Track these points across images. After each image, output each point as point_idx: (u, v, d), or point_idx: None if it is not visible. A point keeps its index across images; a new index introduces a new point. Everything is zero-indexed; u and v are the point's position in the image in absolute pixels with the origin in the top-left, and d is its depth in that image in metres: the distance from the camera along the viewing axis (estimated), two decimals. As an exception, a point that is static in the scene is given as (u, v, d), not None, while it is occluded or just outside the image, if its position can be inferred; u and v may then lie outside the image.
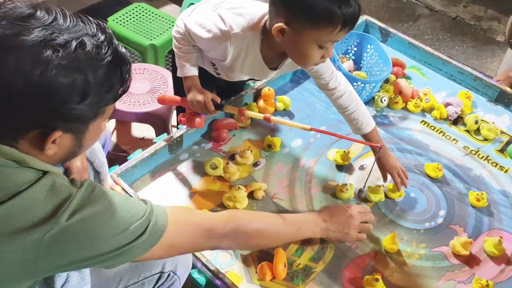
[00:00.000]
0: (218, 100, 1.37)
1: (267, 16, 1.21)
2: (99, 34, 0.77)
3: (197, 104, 1.35)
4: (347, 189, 1.41)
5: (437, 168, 1.50)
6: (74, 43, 0.72)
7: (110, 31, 0.79)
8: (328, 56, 1.19)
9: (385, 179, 1.43)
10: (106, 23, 0.80)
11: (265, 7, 1.22)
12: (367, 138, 1.41)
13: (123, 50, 0.81)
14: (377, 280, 1.19)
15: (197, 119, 1.40)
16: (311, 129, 1.26)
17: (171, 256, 1.01)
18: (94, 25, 0.77)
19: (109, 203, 0.81)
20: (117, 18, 2.27)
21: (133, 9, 2.33)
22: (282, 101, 1.65)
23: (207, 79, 1.45)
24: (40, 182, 0.76)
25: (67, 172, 1.17)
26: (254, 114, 1.36)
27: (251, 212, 1.13)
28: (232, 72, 1.36)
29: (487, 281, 1.22)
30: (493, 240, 1.31)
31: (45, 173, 0.79)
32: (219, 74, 1.43)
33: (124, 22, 2.26)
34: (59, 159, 0.83)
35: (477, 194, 1.43)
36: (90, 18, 0.78)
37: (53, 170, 0.81)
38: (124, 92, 0.83)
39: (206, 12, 1.30)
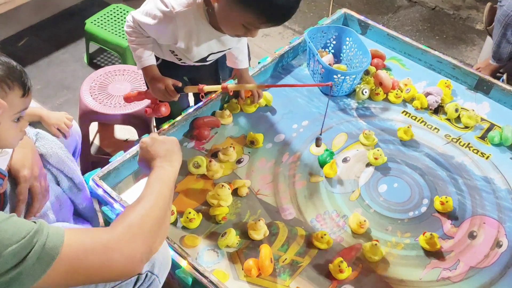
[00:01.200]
0: (179, 84, 1.37)
1: None
2: None
3: (158, 91, 1.36)
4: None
5: (446, 201, 1.40)
6: None
7: None
8: (251, 36, 1.25)
9: (240, 95, 1.58)
10: None
11: None
12: (239, 74, 1.55)
13: None
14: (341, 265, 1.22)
15: (163, 108, 1.43)
16: (258, 86, 1.34)
17: (80, 285, 0.86)
18: None
19: None
20: (95, 20, 2.25)
21: (111, 11, 2.31)
22: (264, 97, 1.65)
23: (174, 73, 1.45)
24: None
25: (14, 182, 1.11)
26: (212, 87, 1.36)
27: (134, 206, 0.94)
28: (190, 52, 1.37)
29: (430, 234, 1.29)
30: (370, 244, 1.27)
31: None
32: (181, 60, 1.44)
33: (102, 24, 2.23)
34: None
35: (441, 199, 1.39)
36: None
37: None
38: None
39: (150, 1, 1.31)
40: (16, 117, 0.99)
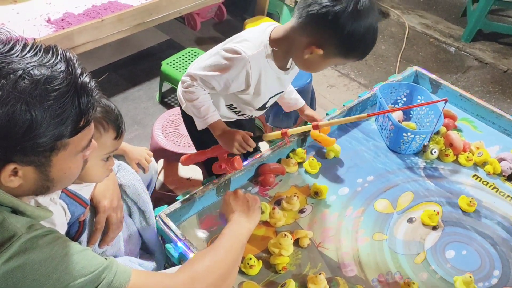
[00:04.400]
0: (252, 135, 1.37)
1: (269, 28, 1.30)
2: (60, 65, 0.73)
3: (234, 143, 1.34)
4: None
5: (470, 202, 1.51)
6: (18, 73, 0.70)
7: (76, 62, 0.76)
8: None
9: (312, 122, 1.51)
10: (73, 54, 0.77)
11: (262, 26, 1.32)
12: (302, 111, 1.56)
13: (86, 80, 0.75)
14: None
15: (235, 163, 1.39)
16: (368, 115, 1.33)
17: None
18: (59, 56, 0.74)
19: (56, 252, 0.76)
20: (171, 62, 2.37)
21: (186, 54, 2.43)
22: (333, 149, 1.65)
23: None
24: None
25: (94, 210, 1.17)
26: (298, 129, 1.34)
27: (203, 255, 0.97)
28: (259, 95, 1.36)
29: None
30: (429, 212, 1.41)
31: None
32: (239, 112, 1.45)
33: (177, 65, 2.35)
34: (29, 191, 0.81)
35: (469, 200, 1.51)
36: (59, 48, 0.76)
37: (15, 204, 0.78)
38: (86, 125, 0.77)
39: (211, 57, 1.33)
40: (105, 157, 1.05)
